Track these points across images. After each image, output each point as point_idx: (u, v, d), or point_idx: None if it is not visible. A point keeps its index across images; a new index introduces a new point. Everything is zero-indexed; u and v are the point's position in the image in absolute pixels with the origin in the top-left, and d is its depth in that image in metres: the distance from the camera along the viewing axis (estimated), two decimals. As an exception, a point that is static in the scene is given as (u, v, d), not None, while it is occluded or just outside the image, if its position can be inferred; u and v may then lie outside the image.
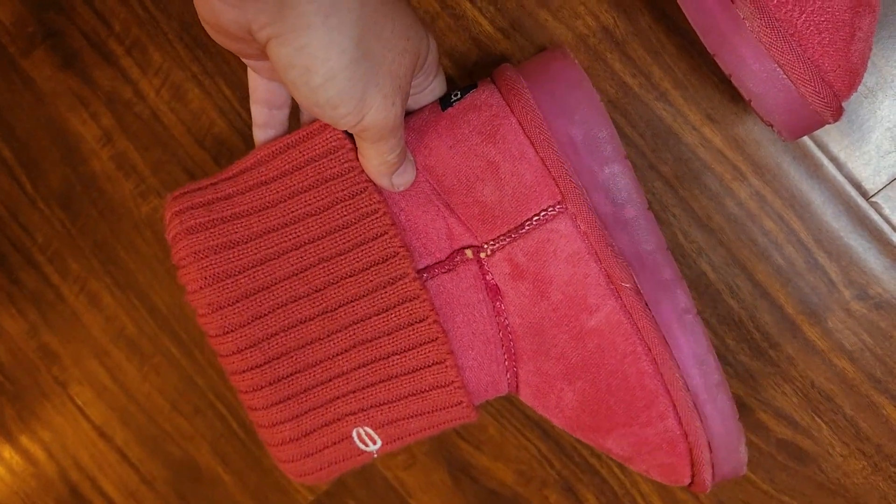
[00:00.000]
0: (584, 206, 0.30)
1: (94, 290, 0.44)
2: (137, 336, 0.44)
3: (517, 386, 0.33)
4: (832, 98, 0.28)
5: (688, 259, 0.37)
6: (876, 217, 0.35)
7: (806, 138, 0.35)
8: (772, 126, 0.30)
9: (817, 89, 0.28)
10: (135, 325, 0.44)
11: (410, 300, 0.31)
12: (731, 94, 0.35)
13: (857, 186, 0.35)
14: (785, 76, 0.28)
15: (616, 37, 0.36)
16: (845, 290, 0.36)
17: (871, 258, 0.35)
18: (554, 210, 0.31)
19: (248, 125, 0.42)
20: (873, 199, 0.35)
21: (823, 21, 0.27)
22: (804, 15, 0.27)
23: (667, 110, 0.36)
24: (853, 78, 0.29)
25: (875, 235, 0.35)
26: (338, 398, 0.33)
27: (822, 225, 0.35)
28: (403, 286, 0.31)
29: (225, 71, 0.41)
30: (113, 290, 0.44)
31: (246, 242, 0.32)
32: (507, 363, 0.32)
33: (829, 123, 0.29)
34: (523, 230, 0.31)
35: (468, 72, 0.38)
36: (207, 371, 0.44)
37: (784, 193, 0.36)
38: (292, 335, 0.32)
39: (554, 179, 0.31)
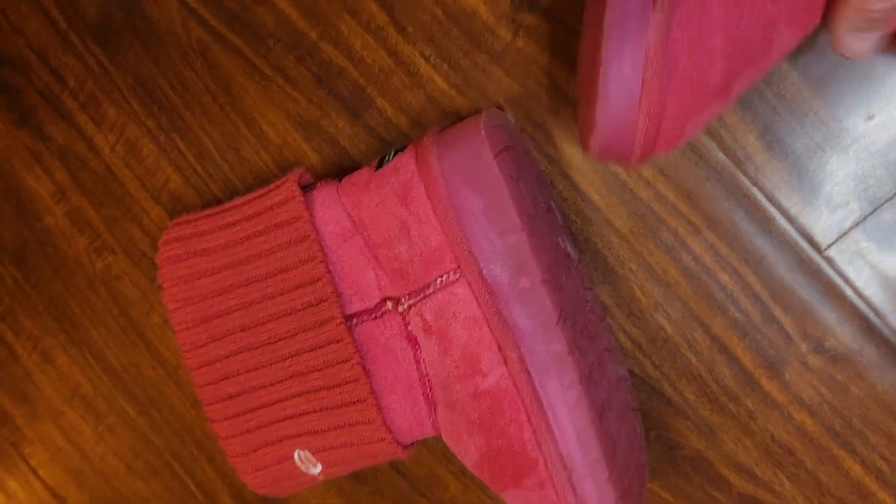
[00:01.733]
0: (476, 274, 0.32)
1: (48, 348, 0.44)
2: (92, 395, 0.44)
3: (440, 429, 0.35)
4: (651, 144, 0.29)
5: (645, 313, 0.38)
6: (829, 270, 0.36)
7: (758, 193, 0.36)
8: (589, 137, 0.30)
9: (649, 130, 0.28)
10: (90, 383, 0.44)
11: (336, 342, 0.35)
12: (682, 150, 0.36)
13: (810, 240, 0.36)
14: (639, 95, 0.28)
15: (568, 93, 0.37)
16: (801, 344, 0.37)
17: (826, 311, 0.36)
18: (455, 274, 0.33)
19: (204, 180, 0.42)
20: (826, 253, 0.36)
21: (694, 85, 0.28)
22: (687, 63, 0.27)
23: (618, 169, 0.37)
24: (675, 142, 0.29)
25: (829, 289, 0.36)
26: (278, 421, 0.37)
27: (777, 279, 0.36)
28: (331, 328, 0.35)
29: (180, 126, 0.42)
30: (67, 348, 0.44)
31: (209, 275, 0.37)
32: (427, 408, 0.35)
33: (630, 163, 0.30)
34: (429, 290, 0.33)
35: (424, 129, 0.39)
36: (164, 431, 0.44)
37: (738, 247, 0.36)
38: (241, 359, 0.37)
39: (451, 246, 0.32)
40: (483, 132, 0.32)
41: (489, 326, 0.32)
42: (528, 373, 0.31)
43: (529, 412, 0.31)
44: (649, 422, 0.39)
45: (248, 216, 0.37)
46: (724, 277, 0.37)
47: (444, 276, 0.33)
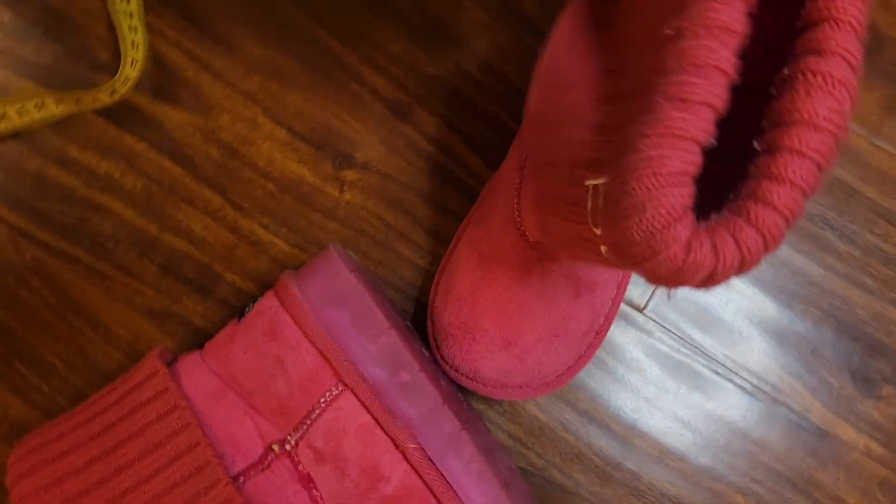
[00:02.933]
0: (358, 380, 0.34)
1: None
2: None
3: None
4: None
5: (515, 405, 0.41)
6: (651, 325, 0.42)
7: (578, 276, 0.42)
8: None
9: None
10: None
11: None
12: (507, 255, 0.42)
13: (629, 302, 0.42)
14: None
15: (398, 228, 0.42)
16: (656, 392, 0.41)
17: (659, 362, 0.42)
18: (336, 389, 0.35)
19: (51, 398, 0.41)
20: (646, 312, 0.42)
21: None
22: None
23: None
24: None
25: (654, 339, 0.42)
26: None
27: (612, 342, 0.42)
28: (218, 492, 0.34)
29: (19, 349, 0.41)
30: None
31: (72, 476, 0.34)
32: None
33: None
34: (315, 414, 0.35)
35: (274, 289, 0.42)
36: None
37: (577, 326, 0.42)
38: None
39: (329, 362, 0.34)
40: (335, 256, 0.36)
41: (381, 427, 0.34)
42: (430, 459, 0.33)
43: (440, 497, 0.32)
44: (551, 515, 0.41)
45: (110, 404, 0.37)
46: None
47: (328, 394, 0.34)
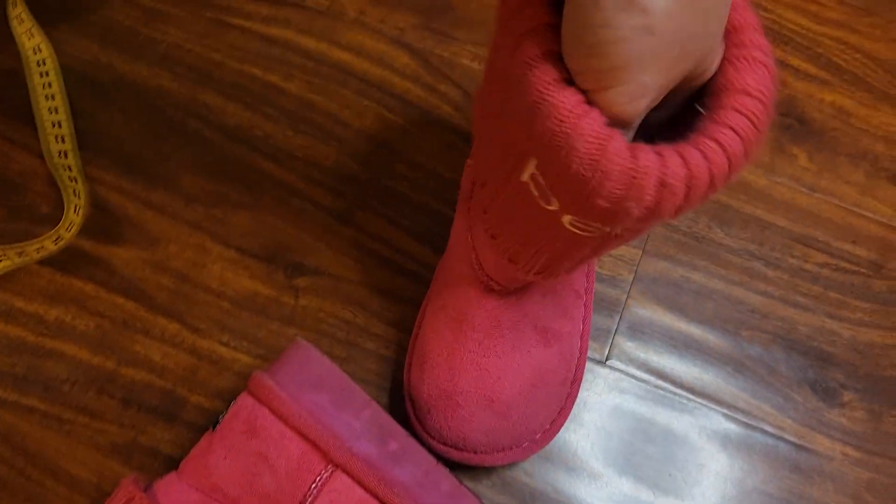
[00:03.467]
0: (349, 457, 0.34)
1: None
2: None
3: None
4: None
5: (503, 476, 0.41)
6: (615, 374, 0.43)
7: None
8: None
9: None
10: None
11: None
12: (467, 332, 0.43)
13: (592, 358, 0.43)
14: None
15: (359, 324, 0.43)
16: (637, 442, 0.42)
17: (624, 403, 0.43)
18: (327, 471, 0.34)
19: (15, 558, 0.38)
20: (609, 363, 0.43)
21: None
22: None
23: (426, 364, 0.43)
24: None
25: (618, 391, 0.43)
26: None
27: (580, 394, 0.43)
28: None
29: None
30: None
31: None
32: None
33: None
34: (308, 500, 0.34)
35: (241, 404, 0.42)
36: None
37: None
38: None
39: (316, 444, 0.34)
40: (304, 343, 0.37)
41: (380, 500, 0.33)
42: (432, 520, 0.32)
43: (450, 555, 0.31)
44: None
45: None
46: (550, 415, 0.42)
47: (319, 478, 0.34)
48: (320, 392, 0.35)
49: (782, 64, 0.50)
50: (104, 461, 0.40)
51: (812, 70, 0.50)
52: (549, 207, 0.24)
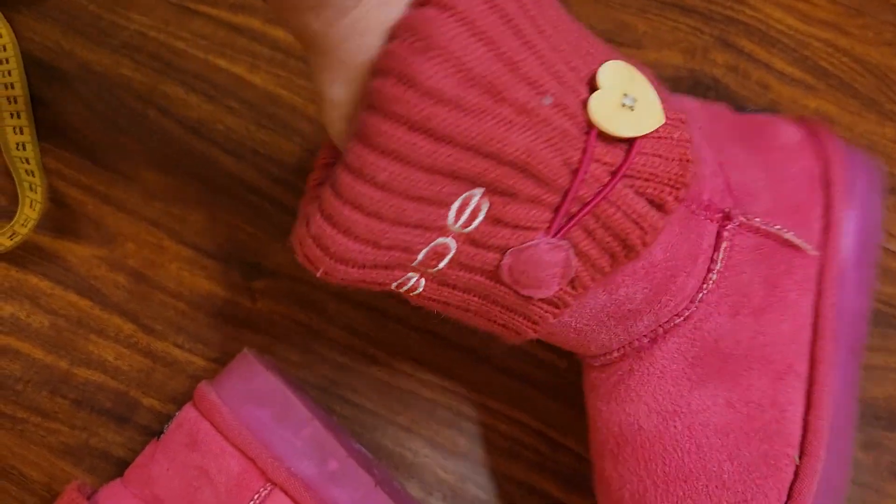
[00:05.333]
0: (286, 476, 0.34)
1: None
2: None
3: None
4: None
5: (456, 490, 0.41)
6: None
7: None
8: None
9: None
10: None
11: None
12: (436, 347, 0.44)
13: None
14: None
15: (314, 328, 0.43)
16: (590, 457, 0.42)
17: (594, 422, 0.43)
18: (265, 489, 0.35)
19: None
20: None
21: None
22: None
23: (382, 372, 0.43)
24: None
25: (586, 403, 0.43)
26: None
27: (545, 408, 0.43)
28: None
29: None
30: None
31: None
32: None
33: None
34: None
35: (194, 407, 0.42)
36: None
37: (504, 398, 0.43)
38: None
39: (254, 462, 0.35)
40: (250, 356, 0.37)
41: None
42: (367, 544, 0.33)
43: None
44: None
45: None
46: (503, 427, 0.42)
47: (257, 496, 0.34)
48: (262, 407, 0.36)
49: (767, 67, 0.49)
50: (56, 462, 0.41)
51: (797, 74, 0.49)
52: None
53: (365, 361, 0.43)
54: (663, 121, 0.27)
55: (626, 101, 0.26)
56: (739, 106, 0.48)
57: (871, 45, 0.50)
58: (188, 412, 0.37)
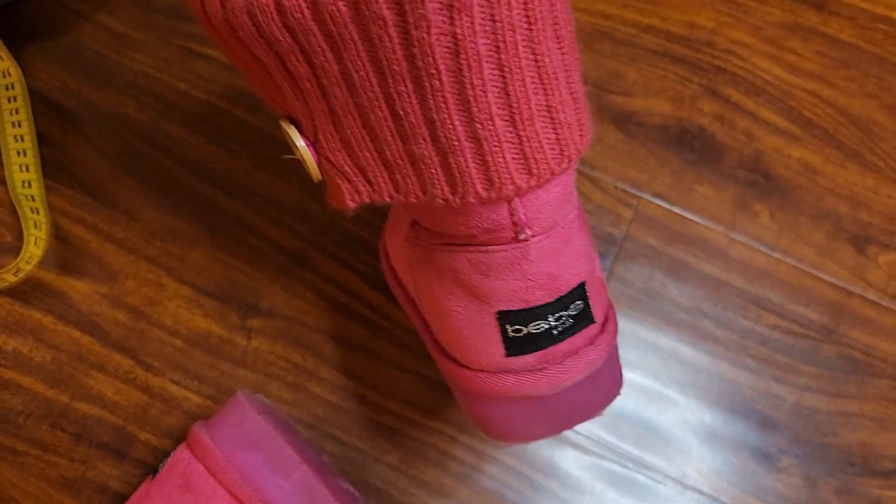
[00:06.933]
0: None
1: None
2: None
3: None
4: None
5: (441, 529, 0.43)
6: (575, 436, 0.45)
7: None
8: None
9: None
10: None
11: None
12: (425, 388, 0.45)
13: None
14: None
15: (308, 368, 0.45)
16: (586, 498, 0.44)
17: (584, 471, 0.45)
18: None
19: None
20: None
21: None
22: None
23: (372, 411, 0.45)
24: None
25: (577, 448, 0.45)
26: None
27: (533, 454, 0.45)
28: None
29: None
30: None
31: None
32: None
33: None
34: None
35: (189, 443, 0.44)
36: None
37: (489, 438, 0.45)
38: None
39: None
40: (243, 400, 0.39)
41: None
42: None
43: None
44: None
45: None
46: (491, 468, 0.44)
47: (247, 537, 0.36)
48: (253, 452, 0.37)
49: (753, 117, 0.51)
50: (54, 495, 0.43)
51: (782, 124, 0.51)
52: None
53: (356, 401, 0.45)
54: None
55: None
56: (721, 154, 0.49)
57: (854, 97, 0.51)
58: (182, 453, 0.38)
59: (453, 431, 0.45)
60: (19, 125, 0.49)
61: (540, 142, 0.26)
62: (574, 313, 0.30)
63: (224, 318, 0.46)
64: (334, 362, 0.46)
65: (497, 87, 0.24)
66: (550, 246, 0.29)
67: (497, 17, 0.23)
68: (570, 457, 0.45)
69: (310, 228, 0.48)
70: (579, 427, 0.45)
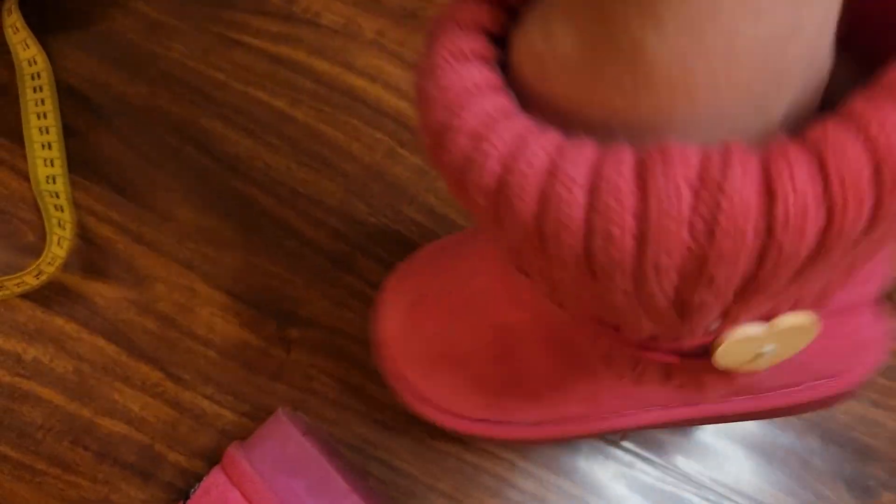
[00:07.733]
0: None
1: None
2: None
3: None
4: None
5: (499, 566, 0.39)
6: (628, 457, 0.41)
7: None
8: None
9: None
10: None
11: None
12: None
13: (604, 437, 0.41)
14: None
15: (352, 383, 0.41)
16: (646, 535, 0.39)
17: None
18: None
19: None
20: (623, 443, 0.41)
21: None
22: None
23: (423, 433, 0.40)
24: None
25: (631, 477, 0.40)
26: None
27: (595, 481, 0.40)
28: None
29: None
30: None
31: None
32: None
33: None
34: None
35: (222, 465, 0.40)
36: None
37: (554, 467, 0.40)
38: None
39: None
40: (285, 419, 0.35)
41: None
42: None
43: None
44: None
45: None
46: (554, 498, 0.40)
47: (288, 574, 0.32)
48: (296, 477, 0.33)
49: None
50: (74, 519, 0.39)
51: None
52: None
53: (405, 420, 0.41)
54: None
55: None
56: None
57: None
58: (217, 477, 0.35)
59: (514, 457, 0.40)
60: (45, 117, 0.46)
61: None
62: None
63: (261, 328, 0.42)
64: (381, 377, 0.41)
65: None
66: None
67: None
68: (643, 483, 0.40)
69: (354, 230, 0.44)
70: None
